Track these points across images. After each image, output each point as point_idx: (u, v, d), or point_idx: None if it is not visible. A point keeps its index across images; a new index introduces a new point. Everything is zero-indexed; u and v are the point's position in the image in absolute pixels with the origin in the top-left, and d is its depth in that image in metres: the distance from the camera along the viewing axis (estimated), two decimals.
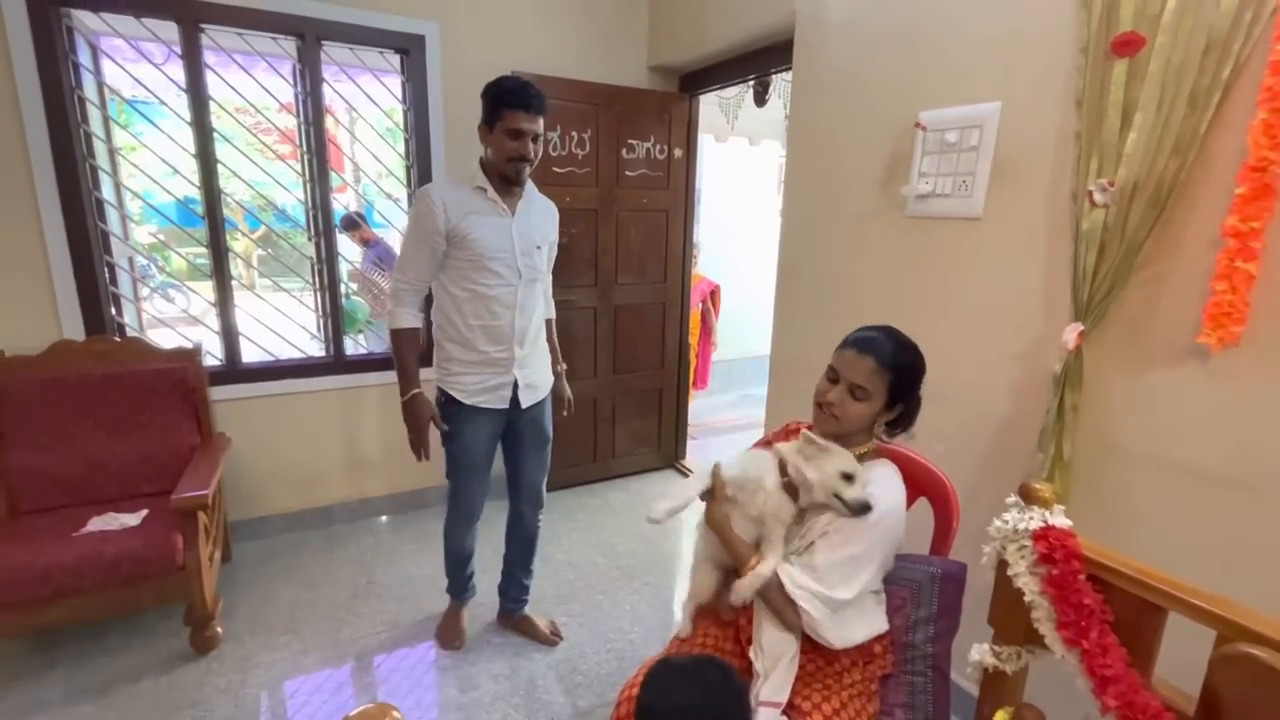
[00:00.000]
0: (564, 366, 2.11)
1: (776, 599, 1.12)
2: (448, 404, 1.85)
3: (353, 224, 4.43)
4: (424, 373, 1.92)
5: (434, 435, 1.87)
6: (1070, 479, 1.46)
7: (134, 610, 1.99)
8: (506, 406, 1.87)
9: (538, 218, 1.86)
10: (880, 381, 1.12)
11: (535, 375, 1.92)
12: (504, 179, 1.76)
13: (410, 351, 1.81)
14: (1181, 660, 0.87)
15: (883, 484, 1.14)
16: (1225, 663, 0.72)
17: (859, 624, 1.13)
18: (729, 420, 4.60)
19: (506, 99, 1.66)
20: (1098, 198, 1.34)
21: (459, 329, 1.79)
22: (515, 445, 2.00)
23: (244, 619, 2.17)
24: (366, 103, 2.76)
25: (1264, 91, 1.13)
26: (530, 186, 1.85)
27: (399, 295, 1.79)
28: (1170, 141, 1.25)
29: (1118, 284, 1.36)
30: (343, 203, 4.66)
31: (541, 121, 1.71)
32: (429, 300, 1.87)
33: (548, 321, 2.06)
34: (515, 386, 1.86)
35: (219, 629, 2.04)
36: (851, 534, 1.10)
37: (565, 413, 2.12)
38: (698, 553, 1.32)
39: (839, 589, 1.08)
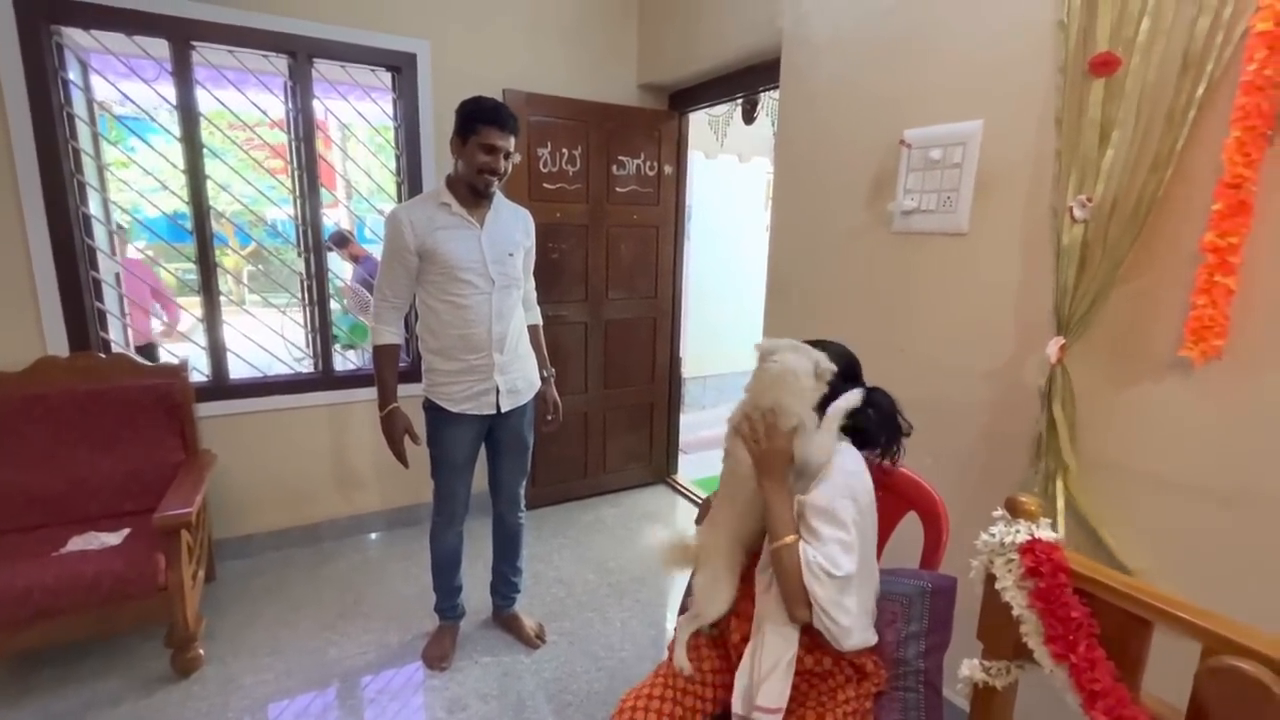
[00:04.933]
0: (552, 372, 2.14)
1: (790, 562, 1.07)
2: (433, 410, 1.91)
3: (342, 240, 4.43)
4: (415, 386, 1.94)
5: (418, 445, 1.92)
6: (1082, 495, 1.45)
7: (114, 632, 1.95)
8: (492, 412, 1.91)
9: (507, 225, 1.91)
10: None
11: (517, 380, 1.96)
12: (473, 191, 1.82)
13: (390, 367, 1.87)
14: (1171, 674, 0.87)
15: (835, 466, 1.12)
16: (1211, 676, 0.72)
17: (860, 631, 1.11)
18: (719, 435, 4.59)
19: (482, 115, 1.74)
20: (1077, 214, 1.36)
21: (439, 339, 1.85)
22: (495, 452, 2.05)
23: (227, 640, 2.12)
24: (359, 120, 2.77)
25: (1237, 110, 1.15)
26: (499, 196, 1.91)
27: (379, 313, 1.86)
28: (1148, 159, 1.28)
29: (1099, 298, 1.38)
30: (333, 219, 4.66)
31: (513, 141, 1.79)
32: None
33: (533, 327, 2.10)
34: (497, 392, 1.90)
35: (201, 651, 2.00)
36: (829, 511, 1.07)
37: (550, 417, 2.13)
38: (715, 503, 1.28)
39: (840, 564, 1.04)
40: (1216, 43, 1.18)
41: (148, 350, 3.12)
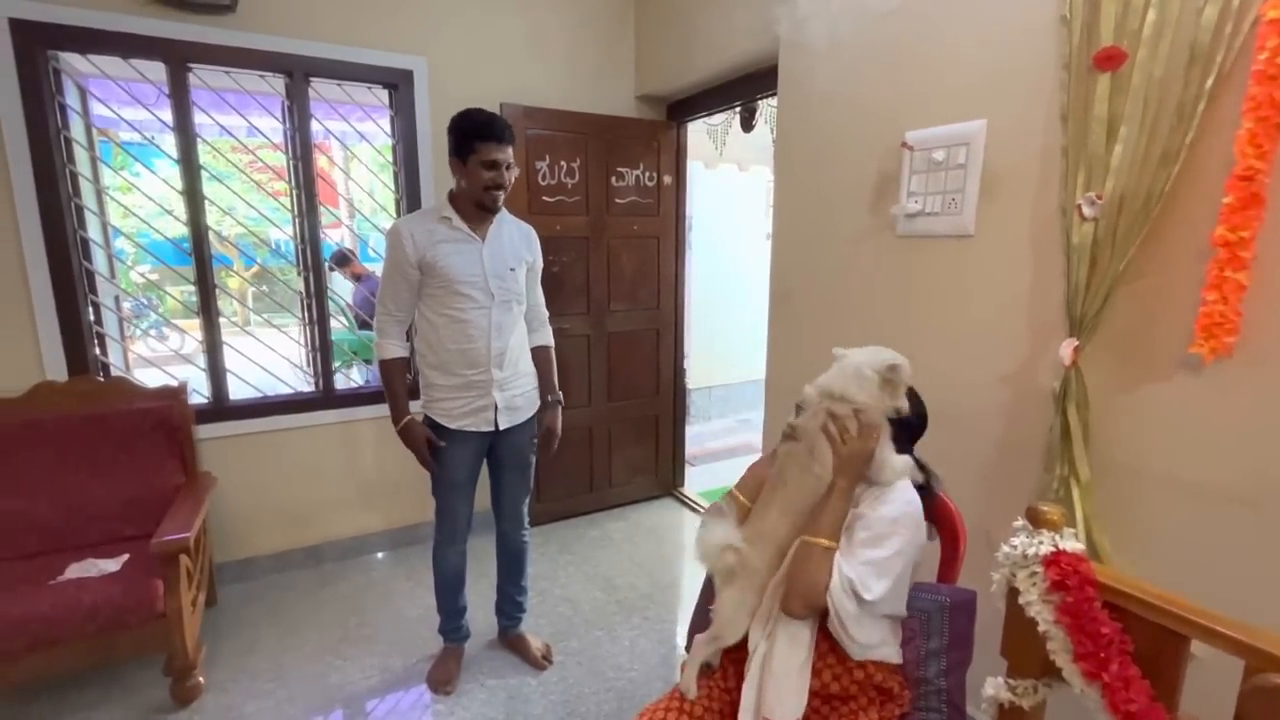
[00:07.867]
0: (558, 397, 2.04)
1: (816, 562, 1.06)
2: (432, 427, 1.89)
3: (344, 260, 4.44)
4: (413, 404, 1.92)
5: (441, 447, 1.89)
6: (1095, 503, 1.41)
7: (113, 661, 1.91)
8: (491, 429, 1.88)
9: (509, 240, 1.89)
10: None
11: (516, 398, 1.92)
12: (480, 207, 1.81)
13: (399, 380, 1.86)
14: (1207, 690, 0.82)
15: (899, 490, 1.13)
16: (1259, 695, 0.67)
17: (877, 639, 1.09)
18: (726, 445, 4.55)
19: (479, 132, 1.73)
20: (1087, 211, 1.33)
21: (437, 354, 1.84)
22: (496, 468, 2.02)
23: (227, 666, 2.08)
24: (361, 141, 2.77)
25: (1248, 101, 1.12)
26: (503, 211, 1.90)
27: (383, 328, 1.85)
28: (1157, 153, 1.24)
29: (1110, 297, 1.34)
30: (335, 239, 4.66)
31: (510, 150, 1.78)
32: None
33: (544, 348, 2.05)
34: (496, 409, 1.87)
35: (201, 679, 1.95)
36: (878, 533, 1.08)
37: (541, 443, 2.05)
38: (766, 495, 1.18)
39: (870, 586, 1.03)
40: (1226, 33, 1.15)
41: None
